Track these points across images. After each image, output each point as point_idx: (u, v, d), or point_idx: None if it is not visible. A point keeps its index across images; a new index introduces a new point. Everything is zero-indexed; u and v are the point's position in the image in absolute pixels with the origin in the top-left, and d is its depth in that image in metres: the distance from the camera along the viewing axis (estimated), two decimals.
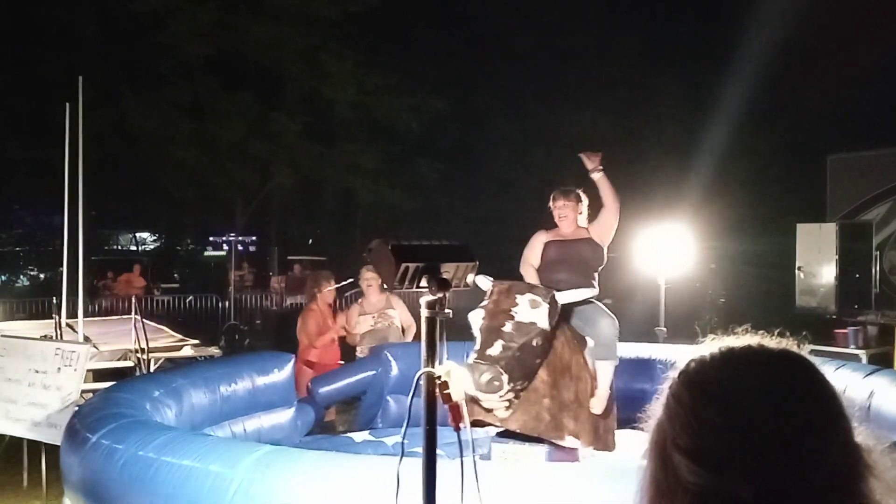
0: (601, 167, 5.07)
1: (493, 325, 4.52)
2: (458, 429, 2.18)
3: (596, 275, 5.22)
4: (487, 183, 16.91)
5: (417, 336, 7.06)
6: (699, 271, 14.12)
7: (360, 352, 6.96)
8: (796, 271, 12.25)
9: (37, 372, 5.42)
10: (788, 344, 1.03)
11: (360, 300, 7.13)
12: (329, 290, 7.01)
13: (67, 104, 7.86)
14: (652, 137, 16.46)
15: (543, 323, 4.52)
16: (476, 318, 4.68)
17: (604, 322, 5.03)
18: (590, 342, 5.00)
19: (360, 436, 6.25)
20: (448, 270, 2.18)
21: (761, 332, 1.10)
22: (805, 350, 1.02)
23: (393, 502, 2.32)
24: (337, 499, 2.96)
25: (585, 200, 5.29)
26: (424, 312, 2.13)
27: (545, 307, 4.55)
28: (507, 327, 4.47)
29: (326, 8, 16.09)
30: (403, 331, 7.04)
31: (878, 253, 12.70)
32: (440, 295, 2.13)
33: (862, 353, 8.06)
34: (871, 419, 5.05)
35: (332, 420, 6.97)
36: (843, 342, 8.30)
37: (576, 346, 4.94)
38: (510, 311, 4.52)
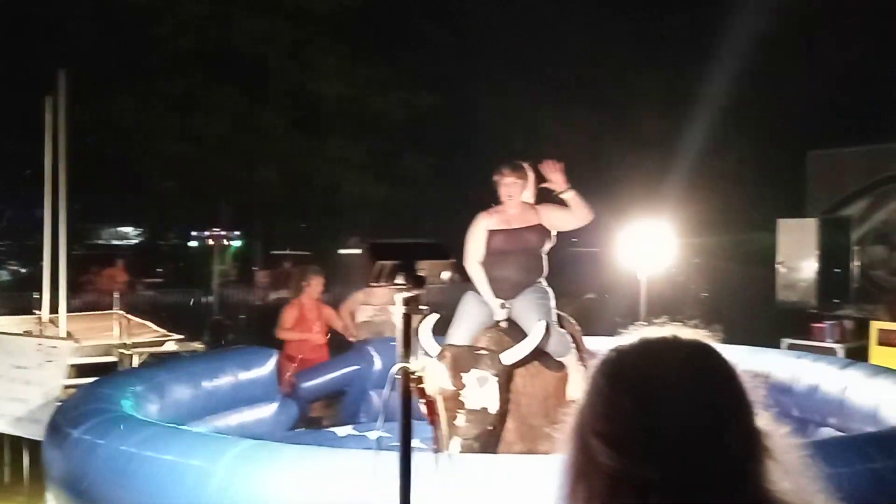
0: (567, 185, 4.76)
1: (448, 418, 4.08)
2: (433, 423, 2.23)
3: (544, 260, 4.94)
4: (476, 178, 16.93)
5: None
6: (682, 266, 14.23)
7: (352, 338, 7.09)
8: (777, 266, 12.35)
9: (18, 368, 5.42)
10: (702, 334, 1.10)
11: (366, 290, 7.14)
12: (317, 284, 7.06)
13: (50, 97, 7.83)
14: (635, 132, 16.53)
15: (494, 405, 4.28)
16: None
17: (563, 343, 4.75)
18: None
19: (343, 430, 6.31)
20: (423, 268, 2.22)
21: (683, 321, 1.16)
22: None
23: (370, 495, 2.37)
24: (317, 492, 3.01)
25: (532, 175, 4.93)
26: (400, 309, 2.18)
27: (493, 382, 4.30)
28: (460, 419, 4.21)
29: (318, 1, 16.03)
30: None
31: (857, 248, 12.83)
32: (416, 292, 2.18)
33: (839, 348, 8.17)
34: (844, 412, 5.15)
35: (318, 415, 7.01)
36: (821, 336, 8.40)
37: (537, 371, 4.68)
38: (459, 396, 4.24)
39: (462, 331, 4.75)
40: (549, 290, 4.91)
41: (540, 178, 4.91)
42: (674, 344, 1.09)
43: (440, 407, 2.25)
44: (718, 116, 14.56)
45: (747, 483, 1.01)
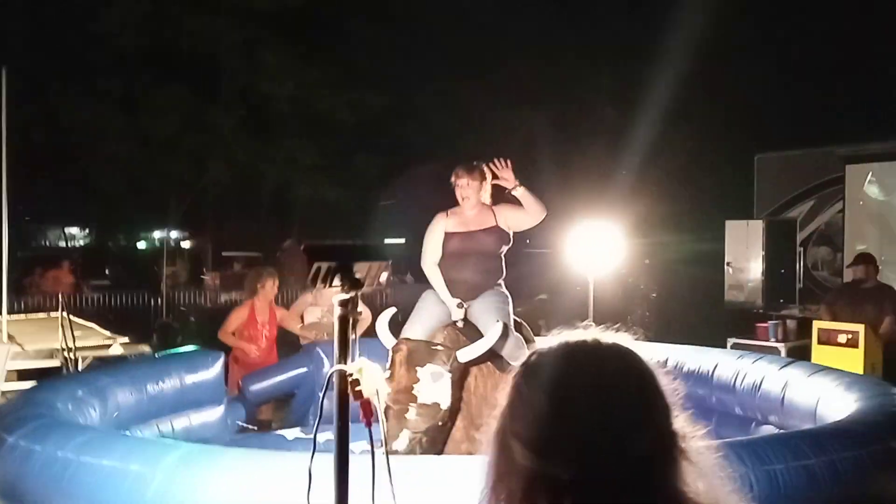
0: (517, 182, 4.79)
1: (397, 412, 4.25)
2: (368, 425, 2.23)
3: (502, 262, 4.96)
4: (426, 179, 16.97)
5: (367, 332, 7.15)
6: (633, 266, 14.41)
7: (303, 340, 7.04)
8: (725, 267, 12.57)
9: None
10: (625, 338, 1.12)
11: (315, 291, 7.09)
12: (272, 286, 7.00)
13: None
14: (583, 133, 16.69)
15: (446, 401, 4.27)
16: (380, 396, 4.47)
17: (520, 353, 4.66)
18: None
19: (291, 433, 6.25)
20: (361, 270, 2.21)
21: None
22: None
23: (305, 499, 2.36)
24: (256, 496, 2.98)
25: (490, 176, 4.92)
26: (336, 311, 2.17)
27: (447, 378, 4.31)
28: (411, 413, 4.21)
29: (262, 1, 15.92)
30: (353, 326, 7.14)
31: (802, 249, 13.11)
32: (352, 294, 2.17)
33: (781, 347, 8.34)
34: (784, 410, 5.25)
35: (266, 418, 6.95)
36: (764, 336, 8.57)
37: (489, 372, 4.68)
38: (412, 389, 4.26)
39: (419, 327, 4.73)
40: (508, 294, 4.92)
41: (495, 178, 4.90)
42: (592, 347, 1.11)
43: (378, 409, 2.25)
44: (667, 118, 14.78)
45: (660, 484, 1.02)
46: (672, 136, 15.77)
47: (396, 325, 4.83)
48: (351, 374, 2.15)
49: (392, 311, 4.84)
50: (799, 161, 14.06)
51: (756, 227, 12.00)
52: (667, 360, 6.08)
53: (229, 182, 16.76)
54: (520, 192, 4.82)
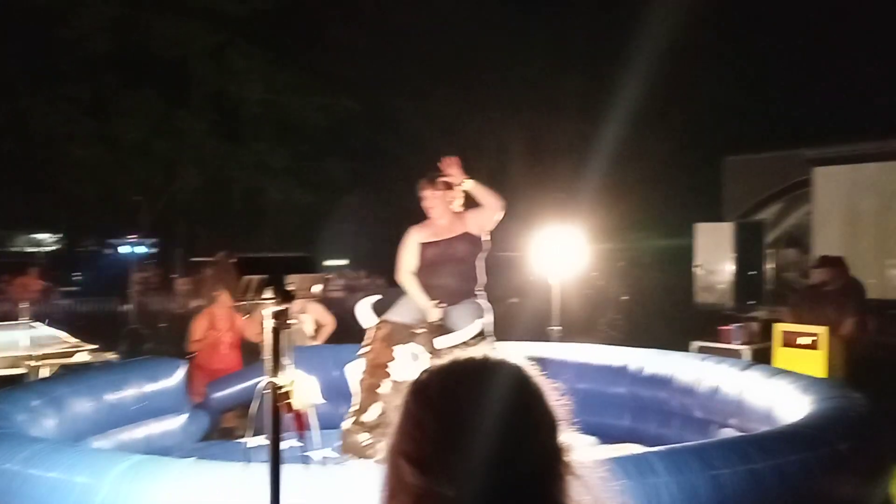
0: (466, 176, 4.90)
1: (371, 384, 4.36)
2: (301, 436, 2.23)
3: (480, 268, 5.07)
4: (399, 183, 16.98)
5: (330, 339, 7.15)
6: (604, 269, 14.49)
7: (264, 353, 6.95)
8: (694, 269, 12.65)
9: None
10: (516, 354, 1.13)
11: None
12: (223, 291, 6.96)
13: None
14: (551, 137, 16.77)
15: None
16: (354, 373, 4.54)
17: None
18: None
19: (254, 441, 6.21)
20: (293, 282, 2.22)
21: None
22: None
23: None
24: None
25: (460, 183, 5.00)
26: (268, 324, 2.17)
27: (426, 359, 4.38)
28: (385, 387, 4.30)
29: (232, 5, 15.85)
30: (316, 333, 7.15)
31: (771, 251, 13.23)
32: (284, 306, 2.18)
33: (745, 349, 8.40)
34: (743, 413, 5.30)
35: (230, 425, 6.91)
36: (728, 339, 8.62)
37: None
38: (388, 366, 4.35)
39: (401, 314, 4.85)
40: (488, 304, 5.00)
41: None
42: (478, 364, 1.11)
43: (309, 419, 2.26)
44: (635, 122, 14.87)
45: (545, 499, 1.03)
46: (642, 139, 15.88)
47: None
48: (283, 387, 2.16)
49: (377, 297, 4.98)
50: (767, 163, 14.21)
51: (725, 230, 12.08)
52: (626, 364, 6.12)
53: (200, 186, 16.66)
54: (469, 186, 4.92)
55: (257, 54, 16.44)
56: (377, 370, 4.35)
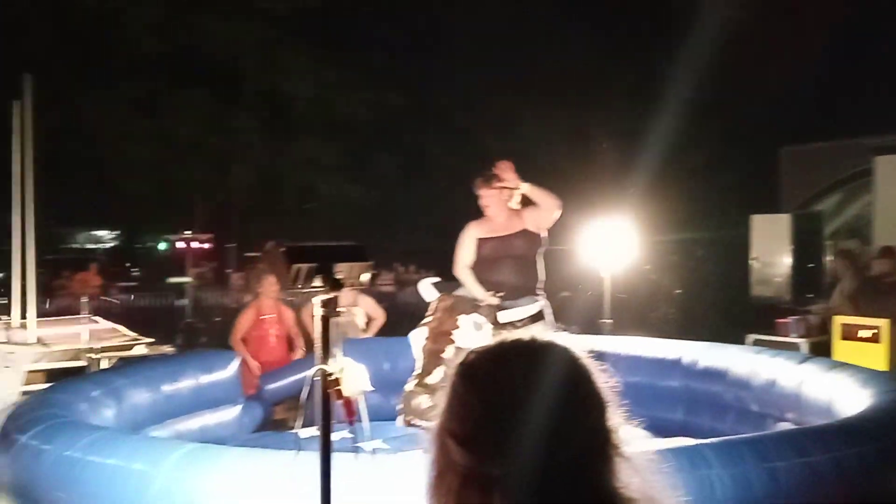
0: (521, 180, 4.93)
1: (434, 349, 4.45)
2: (351, 423, 2.25)
3: (539, 265, 5.11)
4: (447, 177, 17.02)
5: (380, 332, 7.21)
6: (657, 263, 14.31)
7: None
8: (751, 262, 12.43)
9: None
10: (566, 337, 1.12)
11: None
12: (270, 285, 7.04)
13: (15, 103, 7.80)
14: (602, 127, 16.61)
15: None
16: (418, 339, 4.62)
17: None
18: None
19: (306, 432, 6.28)
20: (342, 270, 2.23)
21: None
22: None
23: (293, 496, 2.39)
24: (255, 493, 3.02)
25: (517, 187, 5.03)
26: (318, 312, 2.19)
27: (488, 329, 4.46)
28: (448, 352, 4.37)
29: (281, 3, 16.02)
30: (367, 326, 7.22)
31: (830, 243, 12.94)
32: (333, 294, 2.19)
33: (802, 342, 8.22)
34: (801, 406, 5.19)
35: (282, 417, 6.99)
36: (785, 332, 8.45)
37: None
38: (451, 333, 4.44)
39: (464, 292, 4.97)
40: (546, 301, 5.04)
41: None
42: (525, 345, 1.12)
43: (359, 407, 2.28)
44: (690, 112, 14.63)
45: (591, 480, 1.03)
46: (695, 129, 15.62)
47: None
48: (332, 374, 2.17)
49: (437, 279, 5.09)
50: (826, 153, 13.88)
51: (783, 221, 11.86)
52: (679, 357, 6.04)
53: (252, 183, 16.91)
54: (526, 189, 4.96)
55: (306, 51, 16.59)
56: (440, 337, 4.45)
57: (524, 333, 1.15)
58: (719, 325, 10.72)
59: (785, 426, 5.30)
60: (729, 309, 12.50)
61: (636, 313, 12.59)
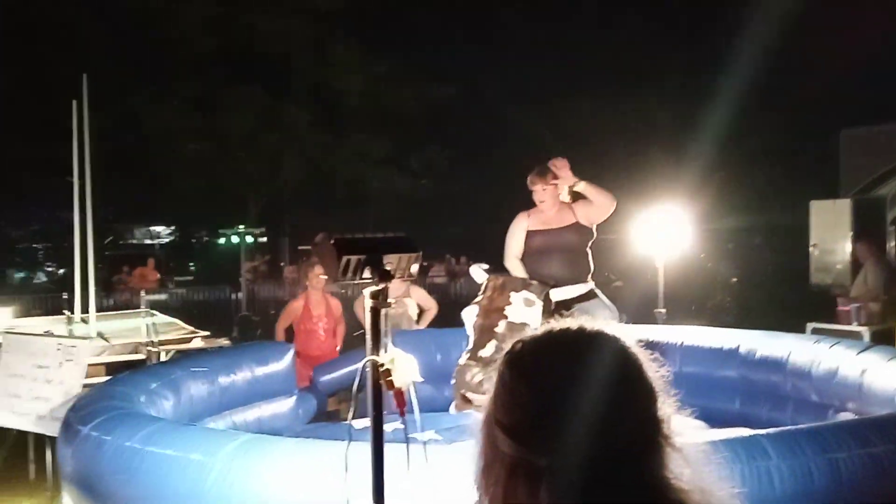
0: (577, 178, 4.96)
1: (486, 325, 4.52)
2: (402, 414, 2.25)
3: (588, 257, 5.13)
4: (497, 169, 16.97)
5: (433, 322, 7.22)
6: (713, 251, 14.08)
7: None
8: (811, 248, 12.16)
9: (40, 367, 5.55)
10: (614, 326, 1.10)
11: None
12: (315, 276, 7.09)
13: (74, 102, 7.97)
14: (658, 117, 16.37)
15: (536, 323, 4.48)
16: (470, 316, 4.68)
17: (602, 315, 4.94)
18: None
19: (360, 423, 6.33)
20: (391, 262, 2.23)
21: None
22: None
23: (344, 485, 2.40)
24: (311, 483, 3.04)
25: (573, 185, 5.08)
26: (368, 303, 2.20)
27: (539, 305, 4.52)
28: (500, 327, 4.45)
29: None
30: (419, 318, 7.24)
31: (893, 228, 12.61)
32: (383, 286, 2.20)
33: (864, 330, 8.02)
34: (862, 396, 5.06)
35: (335, 408, 7.05)
36: (846, 320, 8.25)
37: None
38: (503, 309, 4.49)
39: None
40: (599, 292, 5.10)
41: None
42: (574, 335, 1.11)
43: (411, 397, 2.28)
44: (745, 96, 14.33)
45: (640, 471, 1.02)
46: (752, 115, 15.31)
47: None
48: (383, 365, 2.18)
49: (487, 266, 5.12)
50: (887, 136, 13.50)
51: (843, 207, 11.60)
52: (736, 346, 5.93)
53: (304, 177, 17.08)
54: (581, 187, 4.99)
55: (356, 45, 16.68)
56: (492, 314, 4.49)
57: (573, 322, 1.14)
58: (778, 314, 10.52)
59: (846, 416, 5.17)
60: (787, 297, 12.26)
61: (692, 302, 12.42)
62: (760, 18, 13.49)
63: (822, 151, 14.39)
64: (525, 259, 5.08)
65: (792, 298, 11.95)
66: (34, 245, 20.96)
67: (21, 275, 20.18)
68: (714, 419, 5.07)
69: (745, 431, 3.99)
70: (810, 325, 8.34)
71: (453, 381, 4.81)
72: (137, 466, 3.44)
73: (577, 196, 5.16)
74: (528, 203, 5.24)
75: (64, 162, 8.44)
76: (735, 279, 13.98)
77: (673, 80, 16.23)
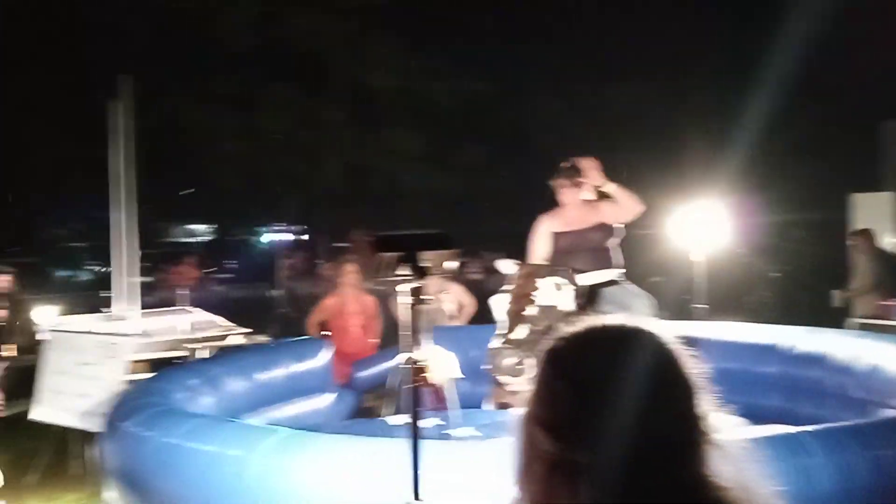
0: (606, 179, 4.95)
1: (516, 310, 4.56)
2: (440, 411, 2.25)
3: (618, 254, 5.10)
4: (535, 164, 16.88)
5: (469, 320, 7.21)
6: (752, 246, 13.90)
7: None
8: (849, 242, 11.95)
9: (83, 364, 5.65)
10: (654, 323, 1.09)
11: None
12: (349, 274, 7.11)
13: (116, 102, 8.08)
14: (694, 109, 16.17)
15: (567, 305, 4.50)
16: (498, 303, 4.70)
17: (637, 304, 4.91)
18: None
19: (396, 419, 6.35)
20: (427, 258, 2.23)
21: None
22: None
23: (384, 482, 2.41)
24: (348, 478, 3.06)
25: (601, 186, 5.08)
26: (405, 300, 2.20)
27: (569, 289, 4.54)
28: (532, 311, 4.49)
29: None
30: (458, 313, 7.25)
31: None
32: (420, 283, 2.20)
33: None
34: None
35: (372, 405, 7.08)
36: (890, 314, 8.09)
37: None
38: (532, 295, 4.53)
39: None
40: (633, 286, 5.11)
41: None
42: (613, 331, 1.10)
43: (449, 394, 2.28)
44: (783, 87, 14.10)
45: (680, 468, 1.01)
46: (791, 105, 15.05)
47: None
48: (419, 363, 2.18)
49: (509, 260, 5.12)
50: None
51: (885, 200, 11.41)
52: (776, 342, 5.85)
53: (340, 175, 17.14)
54: (611, 190, 4.99)
55: (391, 42, 16.69)
56: (522, 300, 4.53)
57: (612, 319, 1.13)
58: (819, 310, 10.35)
59: (890, 413, 5.08)
60: (829, 292, 12.05)
61: (730, 298, 12.26)
62: (803, 8, 13.25)
63: (864, 144, 14.11)
64: (552, 260, 5.08)
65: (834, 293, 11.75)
66: (77, 244, 21.33)
67: (65, 273, 20.56)
68: (756, 416, 5.01)
69: (786, 428, 3.93)
70: (852, 321, 8.20)
71: (486, 367, 4.83)
72: (178, 462, 3.49)
73: (603, 194, 5.14)
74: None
75: (106, 162, 8.55)
76: (776, 274, 13.79)
77: (713, 71, 16.01)
